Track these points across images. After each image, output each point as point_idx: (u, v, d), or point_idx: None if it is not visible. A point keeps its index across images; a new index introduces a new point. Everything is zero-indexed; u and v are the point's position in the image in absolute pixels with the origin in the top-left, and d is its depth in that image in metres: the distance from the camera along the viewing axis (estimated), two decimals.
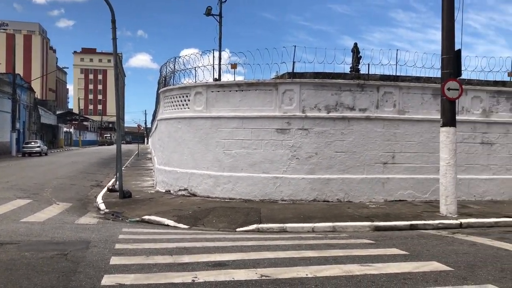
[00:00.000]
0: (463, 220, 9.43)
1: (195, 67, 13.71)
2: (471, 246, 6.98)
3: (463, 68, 10.94)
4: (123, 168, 14.78)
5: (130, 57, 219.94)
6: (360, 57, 14.11)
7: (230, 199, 12.25)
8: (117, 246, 6.48)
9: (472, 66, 13.17)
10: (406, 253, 6.26)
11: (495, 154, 13.01)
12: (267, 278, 4.75)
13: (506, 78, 13.79)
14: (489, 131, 13.00)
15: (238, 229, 8.95)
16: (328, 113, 12.20)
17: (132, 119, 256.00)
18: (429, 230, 8.88)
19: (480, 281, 4.79)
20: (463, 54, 10.47)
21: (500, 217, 9.88)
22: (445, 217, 9.78)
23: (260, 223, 9.20)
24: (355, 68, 13.95)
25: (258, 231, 8.84)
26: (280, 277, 4.80)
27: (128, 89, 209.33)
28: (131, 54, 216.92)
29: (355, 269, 5.15)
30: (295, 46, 12.21)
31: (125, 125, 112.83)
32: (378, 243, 7.16)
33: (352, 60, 14.05)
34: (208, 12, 17.39)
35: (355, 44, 14.09)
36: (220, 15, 17.54)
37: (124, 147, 29.00)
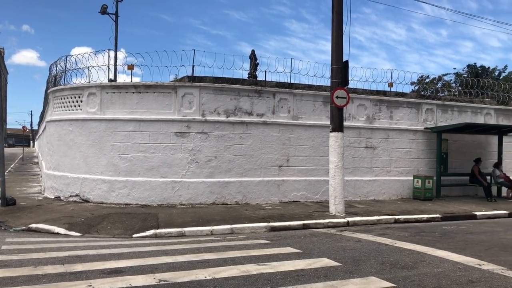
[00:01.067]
0: (350, 219, 10.20)
1: (88, 67, 13.08)
2: (357, 242, 7.59)
3: (350, 77, 11.87)
4: (5, 173, 13.52)
5: (13, 53, 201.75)
6: (258, 63, 14.57)
7: (126, 204, 11.87)
8: (0, 257, 5.95)
9: (358, 76, 14.55)
10: (300, 251, 6.63)
11: (377, 158, 14.26)
12: (165, 282, 4.73)
13: (387, 88, 15.23)
14: (372, 136, 14.22)
15: (134, 235, 8.71)
16: (227, 118, 12.42)
17: (16, 120, 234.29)
18: (320, 228, 9.47)
19: (364, 274, 5.25)
20: (350, 64, 11.36)
21: (381, 215, 10.84)
22: (334, 216, 10.49)
23: (158, 228, 9.06)
24: (253, 74, 14.36)
25: (156, 236, 8.69)
26: (179, 280, 4.81)
27: (11, 88, 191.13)
28: (15, 50, 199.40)
29: (252, 269, 5.34)
30: (194, 50, 12.25)
31: (8, 126, 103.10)
32: (273, 242, 7.46)
33: (250, 66, 14.45)
34: (104, 11, 16.68)
35: (253, 51, 14.51)
36: (116, 14, 16.91)
37: (7, 150, 26.42)
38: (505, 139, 16.01)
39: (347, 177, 12.56)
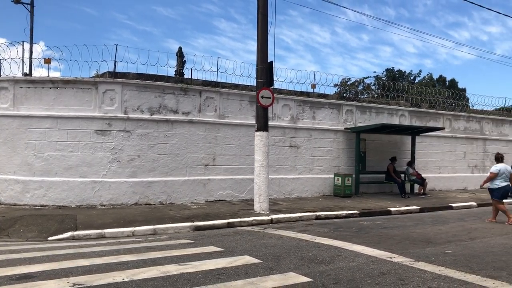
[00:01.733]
0: (274, 216, 10.40)
1: (0, 59, 12.22)
2: (279, 239, 7.77)
3: (275, 78, 12.06)
4: None
5: None
6: (185, 61, 14.45)
7: (42, 206, 11.20)
8: None
9: (283, 77, 14.93)
10: (222, 249, 6.66)
11: (300, 156, 14.67)
12: (80, 286, 4.54)
13: (311, 90, 15.72)
14: (296, 136, 14.61)
15: (50, 238, 8.26)
16: (151, 115, 12.14)
17: None
18: (244, 226, 9.56)
19: (283, 270, 5.39)
20: (277, 65, 11.63)
21: (303, 212, 11.16)
22: (259, 214, 10.65)
23: (76, 230, 8.65)
24: (179, 71, 14.21)
25: (73, 238, 8.30)
26: (95, 283, 4.63)
27: None
28: None
29: (173, 269, 5.28)
30: (116, 45, 11.86)
31: None
32: (196, 242, 7.42)
33: (177, 63, 14.29)
34: (17, 0, 15.61)
35: (180, 48, 14.39)
36: (31, 4, 15.88)
37: None
38: (418, 139, 17.17)
39: (272, 176, 12.80)
